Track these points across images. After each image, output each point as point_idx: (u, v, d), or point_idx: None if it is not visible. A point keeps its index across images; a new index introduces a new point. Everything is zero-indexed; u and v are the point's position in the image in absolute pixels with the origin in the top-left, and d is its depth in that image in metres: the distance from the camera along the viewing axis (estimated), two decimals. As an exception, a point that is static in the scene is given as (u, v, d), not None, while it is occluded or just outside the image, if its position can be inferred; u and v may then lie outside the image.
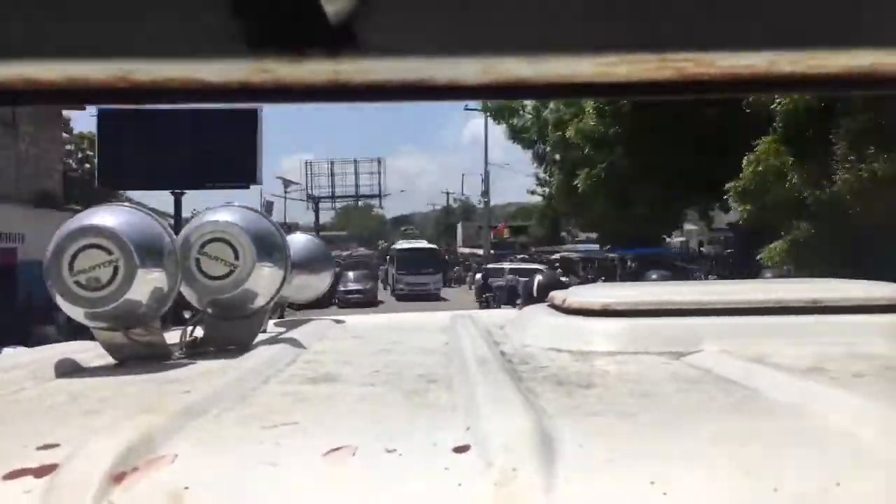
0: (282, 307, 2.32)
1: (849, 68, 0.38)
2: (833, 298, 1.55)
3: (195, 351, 1.59)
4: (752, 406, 0.94)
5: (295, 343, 1.58)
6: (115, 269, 1.41)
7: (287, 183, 44.18)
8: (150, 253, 1.46)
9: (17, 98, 0.40)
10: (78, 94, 0.40)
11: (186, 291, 1.62)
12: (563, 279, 10.63)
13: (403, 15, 0.36)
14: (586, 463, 0.69)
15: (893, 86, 0.40)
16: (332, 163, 45.03)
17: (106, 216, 1.48)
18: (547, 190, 27.06)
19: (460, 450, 0.71)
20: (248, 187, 14.95)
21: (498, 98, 0.42)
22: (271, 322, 2.03)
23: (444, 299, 28.33)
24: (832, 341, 1.37)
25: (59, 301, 1.43)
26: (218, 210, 1.72)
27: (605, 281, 17.37)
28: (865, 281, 1.70)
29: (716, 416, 0.90)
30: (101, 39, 0.36)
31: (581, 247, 33.49)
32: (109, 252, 1.41)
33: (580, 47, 0.37)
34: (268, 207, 30.77)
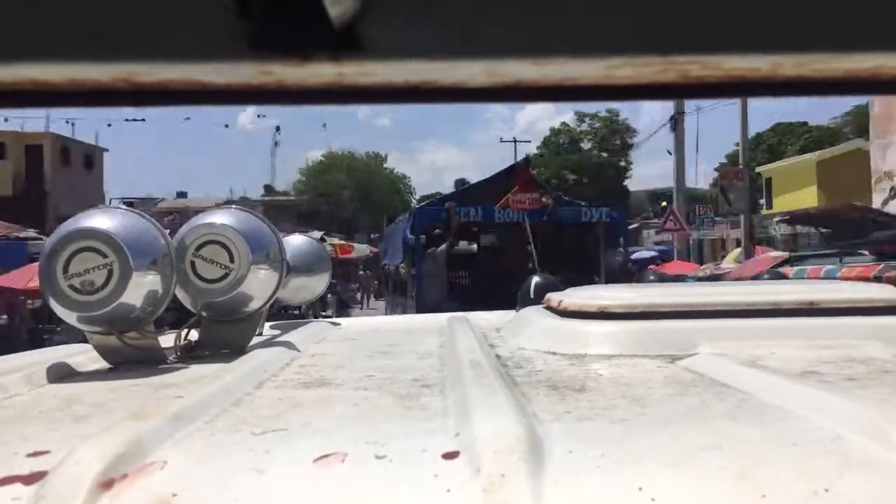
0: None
1: (853, 71, 0.38)
2: (830, 300, 1.55)
3: (190, 354, 1.59)
4: (744, 410, 0.93)
5: (290, 346, 1.58)
6: (110, 273, 1.41)
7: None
8: (145, 256, 1.45)
9: (18, 99, 0.40)
10: (79, 96, 0.39)
11: (181, 294, 1.62)
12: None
13: (407, 17, 0.36)
14: (575, 468, 0.69)
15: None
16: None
17: (101, 219, 1.48)
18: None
19: (449, 456, 0.71)
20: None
21: (502, 101, 0.42)
22: (267, 324, 2.03)
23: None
24: (828, 344, 1.37)
25: (53, 304, 1.42)
26: (213, 213, 1.72)
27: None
28: (862, 283, 1.70)
29: (707, 420, 0.90)
30: (103, 40, 0.36)
31: None
32: (104, 255, 1.41)
33: (584, 49, 0.37)
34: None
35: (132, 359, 1.47)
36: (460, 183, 14.54)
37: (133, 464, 0.72)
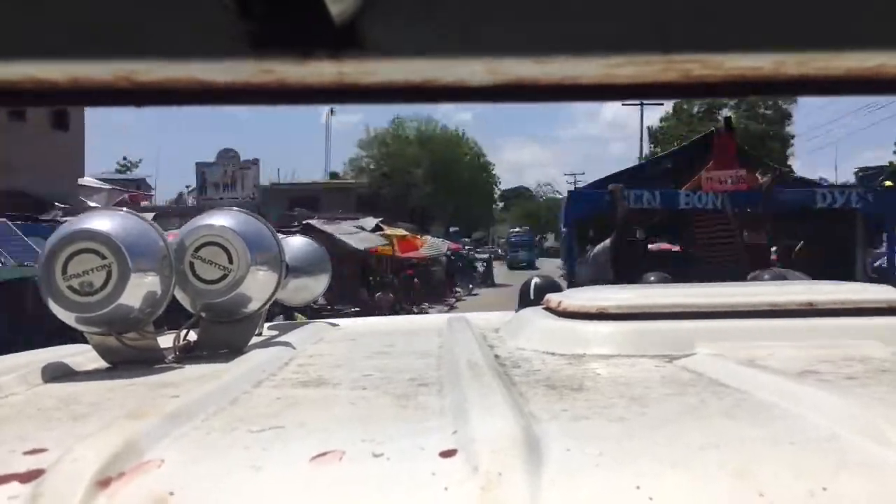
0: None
1: (854, 70, 0.38)
2: (828, 301, 1.55)
3: (188, 355, 1.59)
4: (741, 410, 0.93)
5: (288, 346, 1.58)
6: (109, 274, 1.41)
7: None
8: (144, 257, 1.46)
9: (19, 99, 0.40)
10: (81, 95, 0.40)
11: (180, 295, 1.62)
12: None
13: (408, 16, 0.36)
14: (572, 467, 0.69)
15: None
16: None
17: (100, 220, 1.48)
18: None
19: (447, 454, 0.71)
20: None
21: (503, 100, 0.42)
22: (266, 325, 2.03)
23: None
24: (827, 344, 1.37)
25: (52, 305, 1.42)
26: (213, 214, 1.72)
27: None
28: (860, 283, 1.70)
29: (705, 420, 0.90)
30: (104, 40, 0.36)
31: None
32: (103, 256, 1.41)
33: (585, 48, 0.37)
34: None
35: (131, 359, 1.47)
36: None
37: (130, 462, 0.72)
